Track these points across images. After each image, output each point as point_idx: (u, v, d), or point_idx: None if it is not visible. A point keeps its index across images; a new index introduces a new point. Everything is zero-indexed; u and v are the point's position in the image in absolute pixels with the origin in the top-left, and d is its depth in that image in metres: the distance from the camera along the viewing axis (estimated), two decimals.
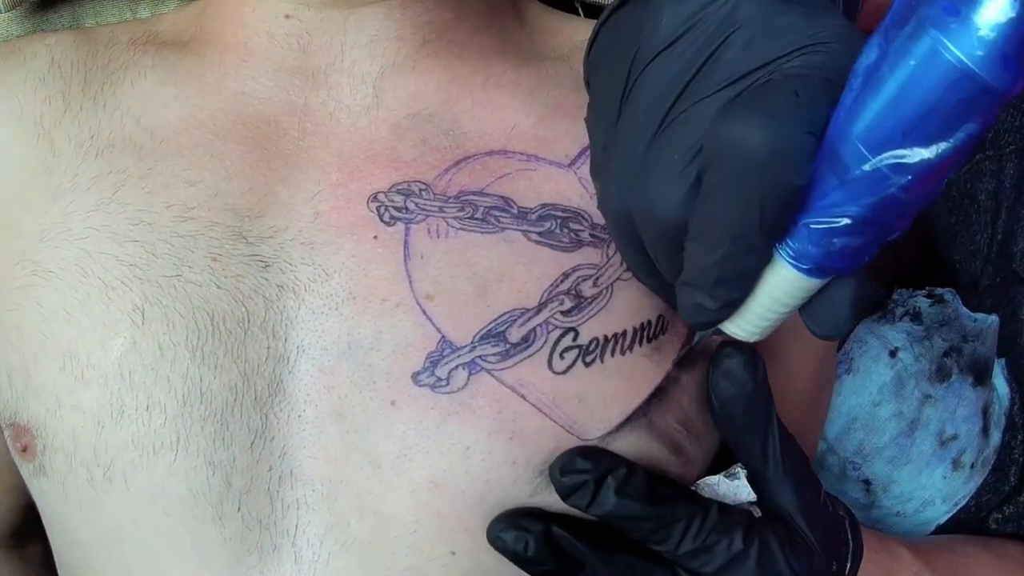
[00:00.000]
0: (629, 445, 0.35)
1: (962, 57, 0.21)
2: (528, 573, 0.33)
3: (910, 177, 0.23)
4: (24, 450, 0.36)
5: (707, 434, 0.38)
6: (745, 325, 0.29)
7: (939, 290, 0.54)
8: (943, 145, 0.22)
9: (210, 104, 0.37)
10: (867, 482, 0.53)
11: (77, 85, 0.39)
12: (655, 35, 0.28)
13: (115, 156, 0.37)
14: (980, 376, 0.52)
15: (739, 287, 0.27)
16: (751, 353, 0.34)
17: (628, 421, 0.34)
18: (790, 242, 0.26)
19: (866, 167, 0.23)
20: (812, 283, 0.27)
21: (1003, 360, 0.53)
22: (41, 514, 0.39)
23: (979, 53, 0.21)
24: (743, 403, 0.34)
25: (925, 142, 0.22)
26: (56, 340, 0.35)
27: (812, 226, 0.25)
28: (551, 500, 0.34)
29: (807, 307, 0.28)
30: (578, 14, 0.45)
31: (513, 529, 0.32)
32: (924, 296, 0.54)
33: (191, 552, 0.34)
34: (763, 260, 0.27)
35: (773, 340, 0.33)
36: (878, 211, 0.24)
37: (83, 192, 0.36)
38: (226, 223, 0.35)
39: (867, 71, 0.23)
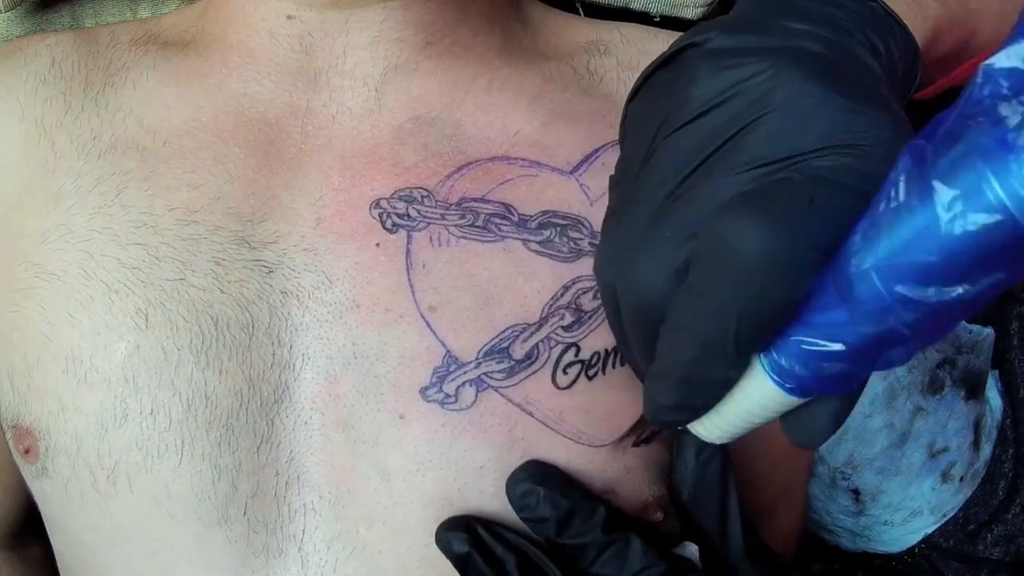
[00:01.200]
0: (638, 450, 0.35)
1: (1005, 200, 0.18)
2: None
3: (919, 316, 0.20)
4: (26, 452, 0.36)
5: None
6: (712, 428, 0.27)
7: None
8: (961, 289, 0.19)
9: (212, 105, 0.37)
10: (856, 492, 0.53)
11: (78, 86, 0.38)
12: (686, 104, 0.26)
13: (117, 158, 0.36)
14: (973, 389, 0.53)
15: (705, 394, 0.25)
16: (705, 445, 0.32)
17: (637, 426, 0.35)
18: (776, 355, 0.23)
19: (873, 295, 0.21)
20: (793, 401, 0.24)
21: (996, 372, 0.53)
22: (43, 515, 0.39)
23: None
24: (694, 489, 0.34)
25: (944, 284, 0.20)
26: (59, 342, 0.35)
27: (803, 346, 0.23)
28: None
29: (785, 413, 0.26)
30: (578, 14, 0.45)
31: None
32: None
33: (195, 554, 0.34)
34: (736, 371, 0.24)
35: None
36: (877, 343, 0.21)
37: (86, 194, 0.36)
38: (229, 227, 0.35)
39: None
